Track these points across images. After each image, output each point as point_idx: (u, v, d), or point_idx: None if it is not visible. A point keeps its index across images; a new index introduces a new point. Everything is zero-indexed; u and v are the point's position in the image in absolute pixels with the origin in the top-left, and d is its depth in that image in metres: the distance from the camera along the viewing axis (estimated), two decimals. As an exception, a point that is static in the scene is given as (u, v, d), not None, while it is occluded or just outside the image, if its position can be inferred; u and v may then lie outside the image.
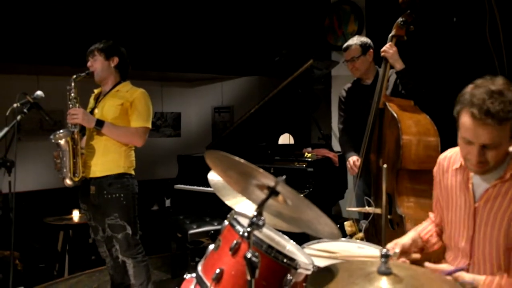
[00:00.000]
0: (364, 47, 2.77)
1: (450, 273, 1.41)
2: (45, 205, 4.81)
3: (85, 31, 3.95)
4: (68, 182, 2.55)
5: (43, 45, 3.94)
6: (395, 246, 1.64)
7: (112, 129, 2.55)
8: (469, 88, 1.39)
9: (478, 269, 1.48)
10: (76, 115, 2.51)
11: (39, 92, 2.49)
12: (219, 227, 3.43)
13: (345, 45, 2.84)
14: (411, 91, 2.51)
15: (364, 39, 2.82)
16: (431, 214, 1.83)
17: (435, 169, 1.72)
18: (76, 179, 2.55)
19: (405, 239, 1.69)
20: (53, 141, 2.50)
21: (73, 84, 2.58)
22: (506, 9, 3.13)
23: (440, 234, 1.76)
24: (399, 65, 2.50)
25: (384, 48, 2.52)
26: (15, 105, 2.41)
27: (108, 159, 2.59)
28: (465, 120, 1.34)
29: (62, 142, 2.49)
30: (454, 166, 1.59)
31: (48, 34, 3.93)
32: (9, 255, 2.63)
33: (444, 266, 1.46)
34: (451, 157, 1.63)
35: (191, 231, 3.48)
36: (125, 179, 2.61)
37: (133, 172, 2.68)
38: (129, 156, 2.68)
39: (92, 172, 2.60)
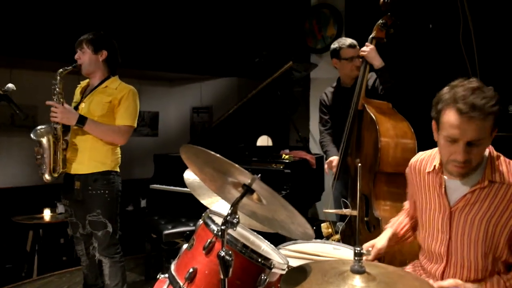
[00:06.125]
0: None
1: None
2: (15, 203, 4.66)
3: (63, 24, 3.85)
4: (47, 177, 2.49)
5: (17, 36, 3.82)
6: (371, 246, 1.65)
7: (94, 127, 2.48)
8: (446, 88, 1.39)
9: (454, 273, 1.48)
10: (55, 113, 2.43)
11: (10, 85, 2.40)
12: (194, 228, 3.39)
13: (351, 42, 2.75)
14: (390, 90, 2.52)
15: None
16: (407, 204, 1.82)
17: (407, 171, 1.71)
18: (56, 175, 2.49)
19: (382, 242, 1.68)
20: (34, 138, 2.42)
21: (58, 78, 2.47)
22: (479, 17, 3.23)
23: (414, 227, 1.77)
24: (377, 62, 2.49)
25: (362, 48, 2.55)
26: (-17, 97, 2.32)
27: (95, 158, 2.53)
28: (449, 117, 1.33)
29: (43, 140, 2.43)
30: (426, 169, 1.58)
31: (23, 25, 3.81)
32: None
33: (449, 282, 1.42)
34: (423, 159, 1.62)
35: (166, 232, 3.42)
36: (111, 176, 2.57)
37: (118, 169, 2.64)
38: (115, 154, 2.63)
39: (78, 169, 2.53)
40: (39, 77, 4.61)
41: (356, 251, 1.07)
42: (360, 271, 1.06)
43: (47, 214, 4.31)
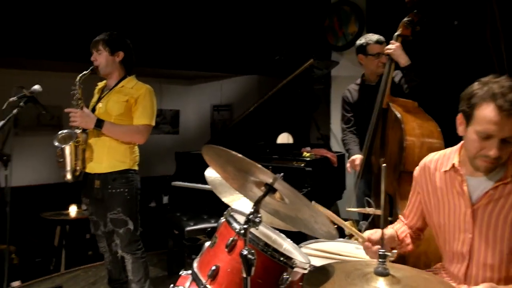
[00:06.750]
0: None
1: None
2: (42, 200, 4.80)
3: (85, 26, 3.93)
4: (68, 177, 2.55)
5: (44, 40, 3.93)
6: (375, 233, 1.59)
7: (111, 128, 2.53)
8: (477, 84, 1.36)
9: (476, 273, 1.45)
10: (74, 117, 2.49)
11: (36, 86, 2.48)
12: (216, 224, 3.41)
13: (378, 38, 2.73)
14: (416, 88, 2.46)
15: None
16: (402, 217, 1.78)
17: (417, 173, 1.66)
18: (77, 174, 2.56)
19: (386, 231, 1.64)
20: (56, 144, 2.48)
21: (77, 84, 2.53)
22: (507, 13, 3.12)
23: (413, 237, 1.71)
24: (403, 60, 2.45)
25: (387, 46, 2.51)
26: (11, 98, 2.40)
27: (114, 157, 2.58)
28: (487, 113, 1.30)
29: (65, 146, 2.49)
30: (442, 169, 1.54)
31: (50, 28, 3.92)
32: (5, 249, 2.62)
33: (484, 285, 1.36)
34: (438, 160, 1.58)
35: (188, 228, 3.47)
36: (129, 174, 2.61)
37: (137, 168, 2.68)
38: (134, 152, 2.67)
39: (97, 168, 2.59)
40: (64, 78, 4.72)
41: (380, 253, 1.06)
42: (384, 274, 1.05)
43: (73, 210, 4.43)
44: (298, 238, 1.77)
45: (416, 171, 1.67)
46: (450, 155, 1.54)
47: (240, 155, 1.20)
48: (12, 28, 3.74)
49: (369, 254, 1.59)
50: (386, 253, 1.06)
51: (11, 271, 2.58)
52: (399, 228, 1.74)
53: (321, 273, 1.16)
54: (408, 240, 1.71)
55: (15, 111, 2.38)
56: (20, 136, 4.80)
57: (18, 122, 4.72)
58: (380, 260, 1.06)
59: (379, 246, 1.49)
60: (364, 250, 1.59)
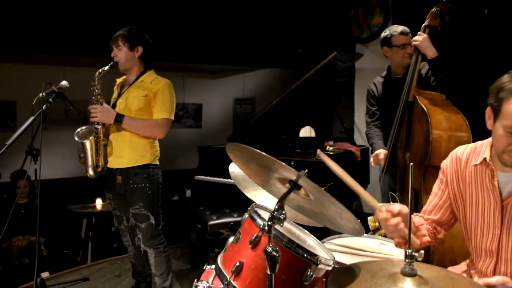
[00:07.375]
0: None
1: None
2: (70, 193, 4.93)
3: (109, 21, 3.99)
4: (90, 173, 2.60)
5: (68, 35, 4.00)
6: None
7: (131, 123, 2.56)
8: (507, 76, 1.31)
9: (505, 270, 1.41)
10: (95, 113, 2.54)
11: (64, 82, 2.52)
12: (238, 219, 3.43)
13: (403, 29, 2.68)
14: (443, 81, 2.39)
15: None
16: (420, 214, 1.68)
17: (447, 165, 1.59)
18: (99, 169, 2.61)
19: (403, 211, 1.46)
20: (76, 139, 2.53)
21: (96, 80, 2.58)
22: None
23: (432, 231, 1.63)
24: (431, 52, 2.38)
25: (414, 37, 2.44)
26: (40, 94, 2.45)
27: (134, 151, 2.60)
28: None
29: (86, 141, 2.53)
30: (472, 162, 1.50)
31: (74, 24, 3.99)
32: (35, 241, 2.69)
33: (496, 279, 1.35)
34: (469, 153, 1.54)
35: (211, 222, 3.49)
36: (150, 169, 2.64)
37: (157, 162, 2.71)
38: (154, 147, 2.70)
39: (118, 163, 2.62)
40: (89, 72, 4.83)
41: (407, 253, 1.03)
42: (411, 274, 1.02)
43: (99, 203, 4.53)
44: (321, 233, 1.75)
45: (445, 162, 1.62)
46: (481, 149, 1.50)
47: (262, 153, 1.19)
48: (38, 24, 3.83)
49: (386, 226, 1.43)
50: (413, 253, 1.03)
51: (40, 262, 2.66)
52: (415, 218, 1.67)
53: (346, 273, 1.14)
54: (424, 231, 1.62)
55: (44, 106, 2.43)
56: (49, 130, 4.91)
57: (47, 116, 4.80)
58: (407, 260, 1.03)
59: (399, 219, 1.38)
60: (381, 222, 1.44)
